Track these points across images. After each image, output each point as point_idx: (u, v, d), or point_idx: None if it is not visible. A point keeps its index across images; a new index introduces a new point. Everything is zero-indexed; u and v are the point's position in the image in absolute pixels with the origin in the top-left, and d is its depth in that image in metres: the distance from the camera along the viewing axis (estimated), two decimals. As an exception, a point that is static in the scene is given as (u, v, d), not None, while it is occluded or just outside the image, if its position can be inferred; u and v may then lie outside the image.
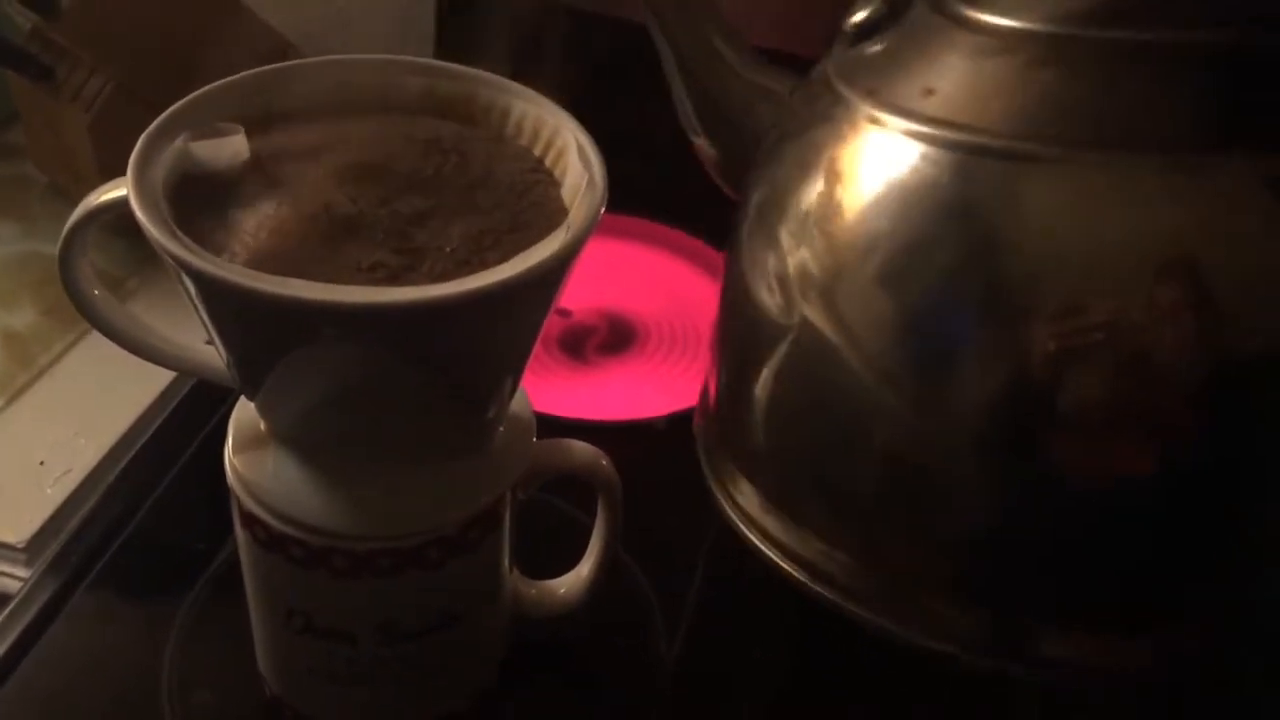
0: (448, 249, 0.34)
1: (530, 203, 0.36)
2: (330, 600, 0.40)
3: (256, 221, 0.34)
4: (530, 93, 0.39)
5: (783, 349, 0.41)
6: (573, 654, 0.51)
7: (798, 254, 0.40)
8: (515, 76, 0.40)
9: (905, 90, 0.38)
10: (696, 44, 0.41)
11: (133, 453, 0.59)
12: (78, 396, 0.63)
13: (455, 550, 0.40)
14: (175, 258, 0.31)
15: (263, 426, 0.40)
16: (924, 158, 0.37)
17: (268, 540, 0.39)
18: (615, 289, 0.71)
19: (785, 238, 0.40)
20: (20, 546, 0.55)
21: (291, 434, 0.39)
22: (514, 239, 0.35)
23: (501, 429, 0.41)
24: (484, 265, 0.33)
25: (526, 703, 0.48)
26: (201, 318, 0.34)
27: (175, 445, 0.59)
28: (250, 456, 0.39)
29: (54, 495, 0.57)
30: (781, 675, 0.52)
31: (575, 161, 0.37)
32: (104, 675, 0.49)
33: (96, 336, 0.62)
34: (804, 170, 0.40)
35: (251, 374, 0.36)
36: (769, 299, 0.41)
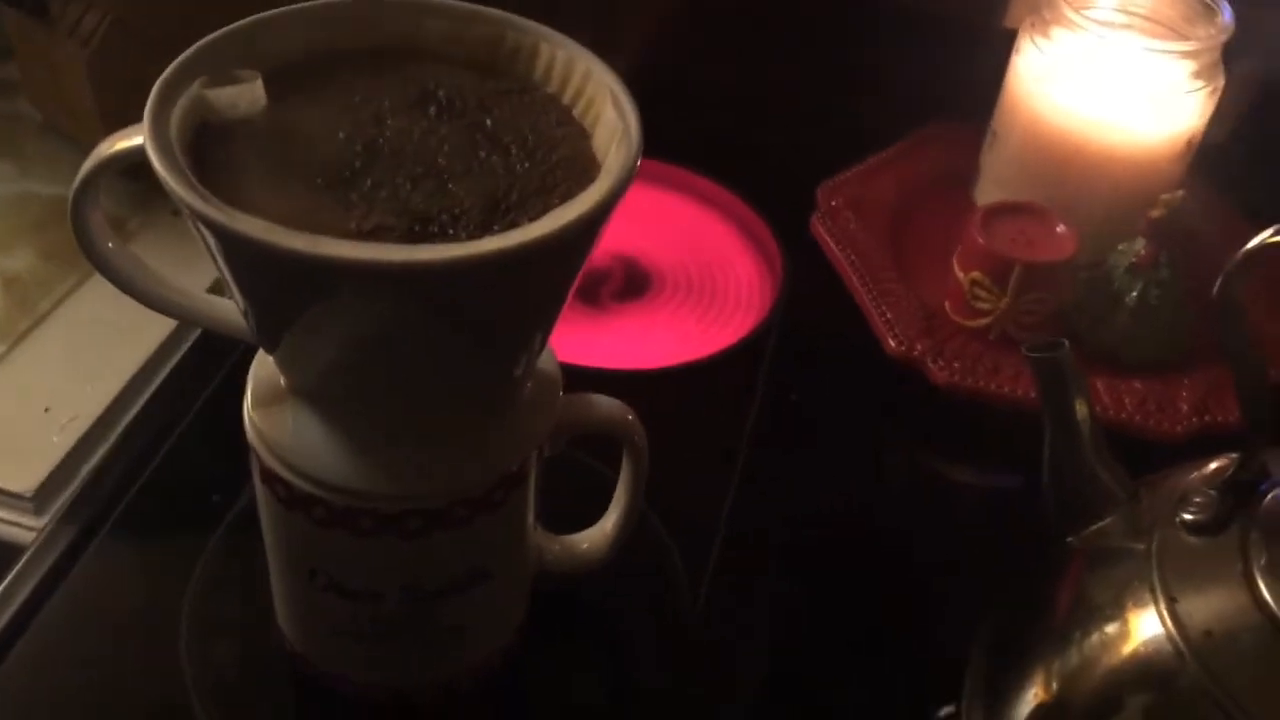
0: (457, 212, 0.33)
1: (559, 159, 0.35)
2: (354, 560, 0.39)
3: (263, 177, 0.33)
4: (559, 36, 0.38)
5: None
6: (596, 606, 0.50)
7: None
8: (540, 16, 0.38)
9: (1197, 606, 0.39)
10: (1066, 419, 0.45)
11: (144, 398, 0.58)
12: (82, 341, 0.61)
13: (482, 509, 0.39)
14: (196, 212, 0.30)
15: (283, 381, 0.38)
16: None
17: (289, 499, 0.38)
18: (632, 233, 0.69)
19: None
20: (28, 496, 0.54)
21: (313, 389, 0.37)
22: (541, 200, 0.33)
23: (530, 385, 0.40)
24: (510, 227, 0.32)
25: (551, 656, 0.48)
26: (221, 270, 0.33)
27: (188, 390, 0.58)
28: (270, 412, 0.38)
29: (61, 443, 0.56)
30: (805, 628, 0.52)
31: (609, 111, 0.35)
32: (120, 628, 0.48)
33: (100, 279, 0.60)
34: (1104, 591, 0.42)
35: (270, 328, 0.35)
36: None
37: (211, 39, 0.35)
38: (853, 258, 0.64)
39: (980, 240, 0.59)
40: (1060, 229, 0.60)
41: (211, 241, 0.31)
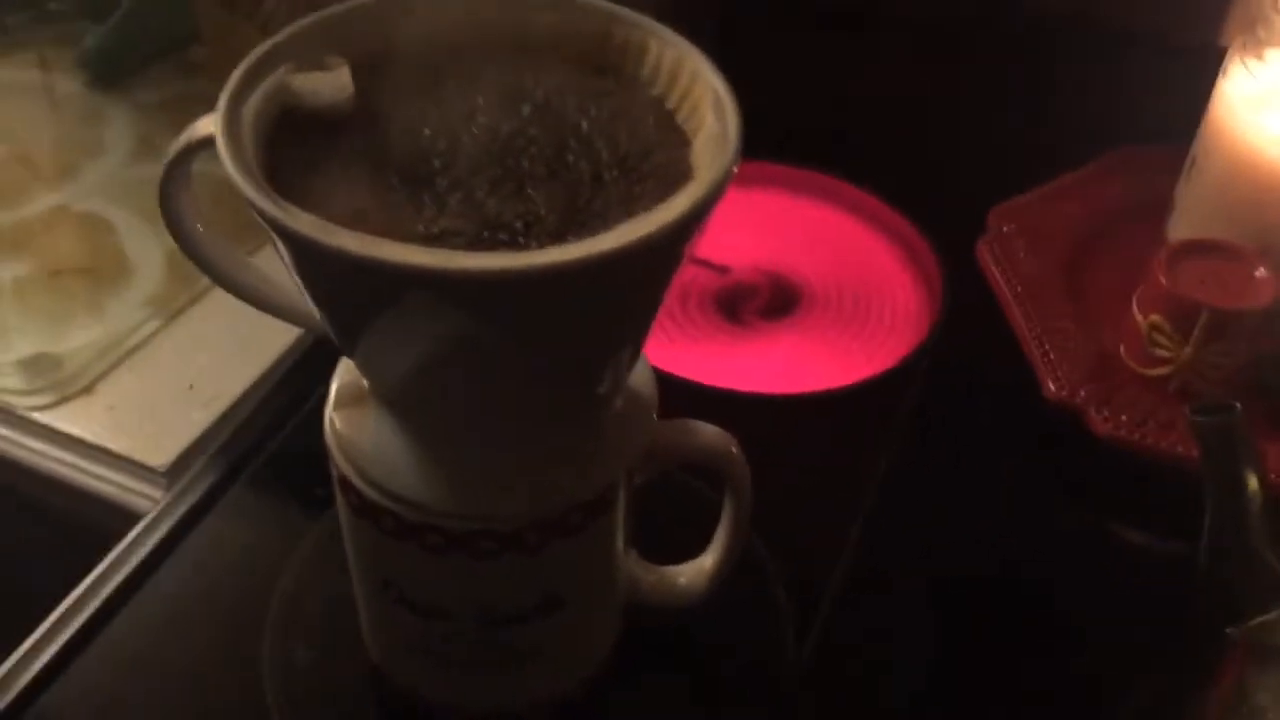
0: (531, 220, 0.30)
1: (652, 168, 0.32)
2: (424, 575, 0.37)
3: (340, 171, 0.31)
4: (669, 33, 0.35)
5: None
6: (694, 644, 0.47)
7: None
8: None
9: None
10: (1233, 495, 0.40)
11: (278, 384, 0.59)
12: (235, 320, 0.62)
13: (557, 534, 0.36)
14: (251, 202, 0.29)
15: (365, 384, 0.37)
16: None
17: (360, 507, 0.36)
18: (780, 246, 0.65)
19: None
20: (161, 470, 0.55)
21: (388, 395, 0.36)
22: (624, 210, 0.31)
23: (619, 404, 0.37)
24: (588, 235, 0.29)
25: (639, 694, 0.45)
26: (289, 272, 0.31)
27: (317, 375, 0.58)
28: (350, 415, 0.37)
29: (199, 420, 0.57)
30: (926, 679, 0.47)
31: (710, 116, 0.32)
32: (207, 621, 0.48)
33: (258, 259, 0.61)
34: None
35: (338, 328, 0.33)
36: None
37: (304, 24, 0.34)
38: (1019, 289, 0.59)
39: (1163, 280, 0.53)
40: (1260, 273, 0.53)
41: (271, 235, 0.30)
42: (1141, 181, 0.65)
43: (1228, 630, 0.40)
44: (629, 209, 0.31)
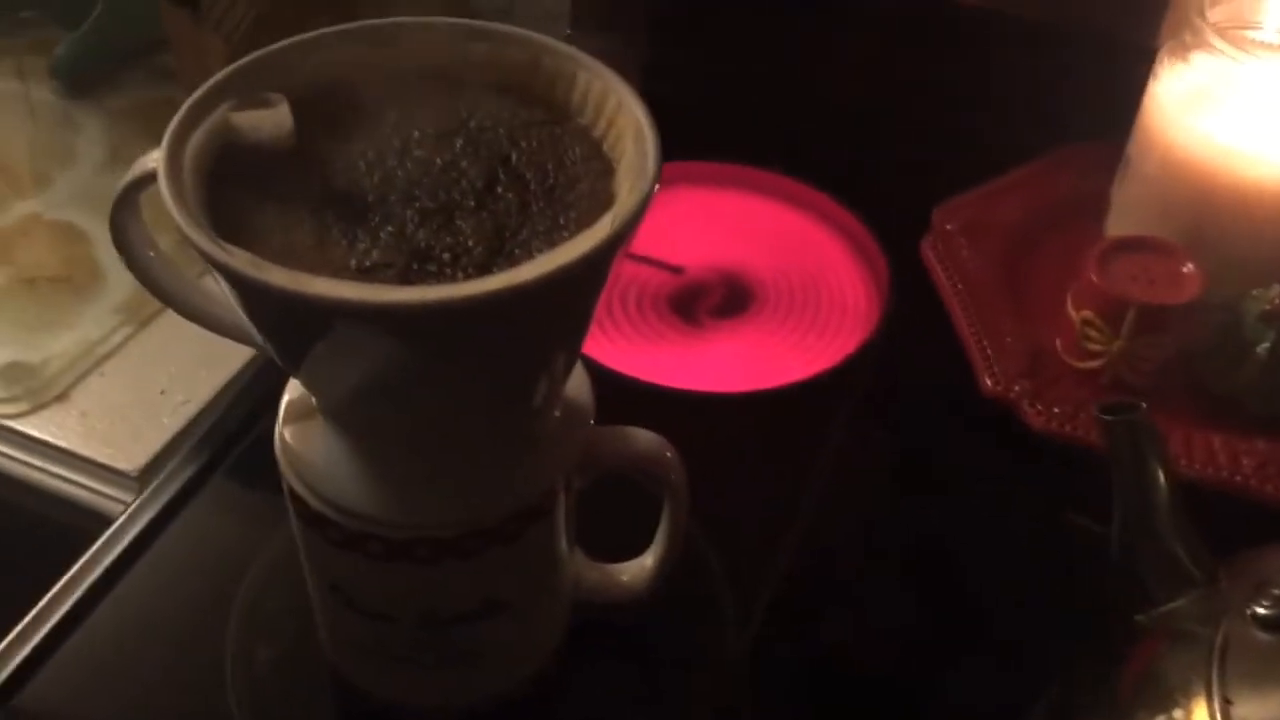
0: (459, 251, 0.32)
1: (576, 197, 0.34)
2: (369, 582, 0.39)
3: (277, 206, 0.33)
4: (596, 64, 0.36)
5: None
6: (641, 637, 0.49)
7: None
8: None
9: (1254, 712, 0.36)
10: (1142, 489, 0.42)
11: (242, 387, 0.60)
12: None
13: (495, 541, 0.38)
14: (190, 240, 0.30)
15: (313, 401, 0.39)
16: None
17: (306, 516, 0.38)
18: (734, 245, 0.67)
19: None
20: (133, 474, 0.56)
21: (333, 412, 0.38)
22: (549, 239, 0.33)
23: (556, 414, 0.39)
24: (513, 266, 0.31)
25: (588, 688, 0.47)
26: (231, 300, 0.33)
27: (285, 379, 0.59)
28: (298, 429, 0.39)
29: (170, 425, 0.59)
30: (856, 673, 0.49)
31: (632, 145, 0.34)
32: (176, 621, 0.49)
33: (209, 282, 0.62)
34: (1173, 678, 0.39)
35: (283, 355, 0.35)
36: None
37: (245, 61, 0.35)
38: (959, 287, 0.61)
39: (1095, 277, 0.55)
40: (1187, 269, 0.55)
41: (210, 269, 0.31)
42: (1082, 179, 0.66)
43: (1137, 618, 0.42)
44: (552, 238, 0.33)
